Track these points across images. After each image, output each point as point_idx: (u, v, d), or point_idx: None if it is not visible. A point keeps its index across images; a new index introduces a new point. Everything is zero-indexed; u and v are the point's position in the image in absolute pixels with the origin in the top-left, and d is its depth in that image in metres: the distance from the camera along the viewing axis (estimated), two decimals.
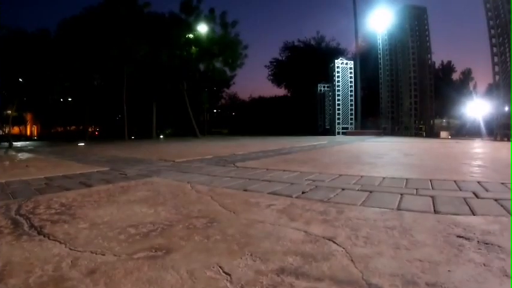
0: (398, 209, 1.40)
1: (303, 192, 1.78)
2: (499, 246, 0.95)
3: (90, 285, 0.79)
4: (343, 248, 0.96)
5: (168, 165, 3.37)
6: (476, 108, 14.28)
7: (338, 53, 34.96)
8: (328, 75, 22.13)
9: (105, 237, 1.08)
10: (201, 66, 22.80)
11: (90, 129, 34.28)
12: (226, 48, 18.13)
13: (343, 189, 1.84)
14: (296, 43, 39.45)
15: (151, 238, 1.07)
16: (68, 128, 42.40)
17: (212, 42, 18.79)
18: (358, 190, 1.83)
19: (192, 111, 21.27)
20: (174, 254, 0.95)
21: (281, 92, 47.68)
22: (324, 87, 24.58)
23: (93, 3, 18.10)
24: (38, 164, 3.87)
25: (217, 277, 0.81)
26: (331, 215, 1.31)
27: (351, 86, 19.86)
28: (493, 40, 9.00)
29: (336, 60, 20.03)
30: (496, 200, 1.53)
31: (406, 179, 2.15)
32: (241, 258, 0.90)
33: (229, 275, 0.81)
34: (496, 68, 9.01)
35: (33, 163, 3.97)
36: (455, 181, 2.05)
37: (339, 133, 19.40)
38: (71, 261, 0.91)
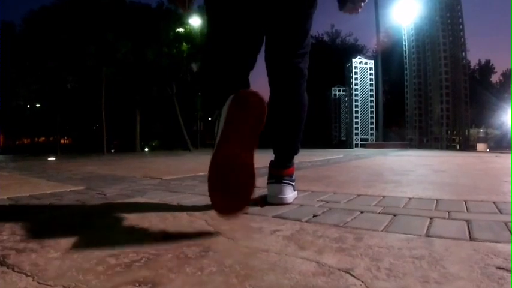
0: (427, 235, 1.40)
1: (314, 216, 1.78)
2: None
3: None
4: (362, 282, 0.96)
5: (154, 183, 3.38)
6: None
7: (356, 50, 35.16)
8: (344, 77, 22.18)
9: (79, 269, 1.08)
10: (194, 66, 22.85)
11: (62, 141, 34.32)
12: None
13: (361, 212, 1.85)
14: None
15: (135, 270, 1.07)
16: (36, 139, 42.49)
17: None
18: (379, 213, 1.83)
19: (183, 119, 21.31)
20: None
21: None
22: (339, 91, 24.61)
23: None
24: (1, 182, 3.89)
25: None
26: (348, 243, 1.31)
27: (371, 90, 19.87)
28: None
29: (353, 59, 20.07)
30: None
31: (437, 200, 2.15)
32: None
33: None
34: None
35: None
36: (494, 202, 2.05)
37: (356, 145, 19.42)
38: None
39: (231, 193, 1.42)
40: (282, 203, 2.05)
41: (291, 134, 2.17)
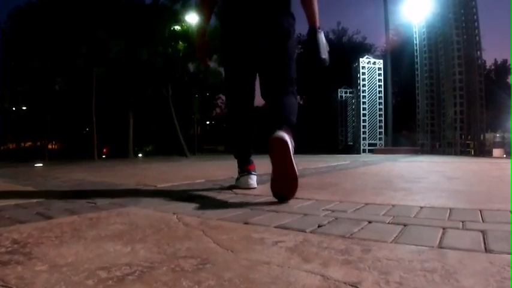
0: (440, 247, 1.40)
1: (319, 226, 1.79)
2: None
3: None
4: None
5: (148, 191, 3.38)
6: None
7: (364, 49, 35.20)
8: (351, 78, 22.10)
9: (68, 283, 1.08)
10: (191, 66, 22.87)
11: (50, 146, 34.28)
12: None
13: (369, 222, 1.85)
14: None
15: (128, 283, 1.07)
16: (22, 144, 42.49)
17: None
18: (388, 223, 1.83)
19: (179, 123, 21.28)
20: None
21: None
22: (345, 93, 24.57)
23: None
24: None
25: None
26: (355, 255, 1.31)
27: (379, 92, 19.79)
28: None
29: (360, 59, 19.99)
30: None
31: (450, 209, 2.15)
32: None
33: None
34: None
35: None
36: (511, 212, 2.05)
37: (364, 151, 19.35)
38: None
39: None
40: (280, 135, 2.52)
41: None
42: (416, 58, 17.66)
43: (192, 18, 19.31)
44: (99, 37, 17.72)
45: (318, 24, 3.04)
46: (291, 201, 2.55)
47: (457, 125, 14.45)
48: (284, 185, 2.53)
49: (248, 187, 3.26)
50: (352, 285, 1.03)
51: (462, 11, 14.62)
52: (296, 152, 2.63)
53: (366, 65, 19.74)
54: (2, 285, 1.07)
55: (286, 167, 2.48)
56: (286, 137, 2.53)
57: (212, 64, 20.21)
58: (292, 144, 2.61)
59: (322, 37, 3.03)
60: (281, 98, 3.07)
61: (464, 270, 1.12)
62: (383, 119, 20.07)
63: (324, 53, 2.98)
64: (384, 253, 1.33)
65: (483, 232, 1.60)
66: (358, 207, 2.28)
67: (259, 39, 3.07)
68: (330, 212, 2.15)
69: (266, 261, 1.26)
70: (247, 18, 3.10)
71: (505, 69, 45.07)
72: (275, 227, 1.78)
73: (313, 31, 3.02)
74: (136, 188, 3.65)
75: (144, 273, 1.15)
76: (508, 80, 44.87)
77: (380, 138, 20.07)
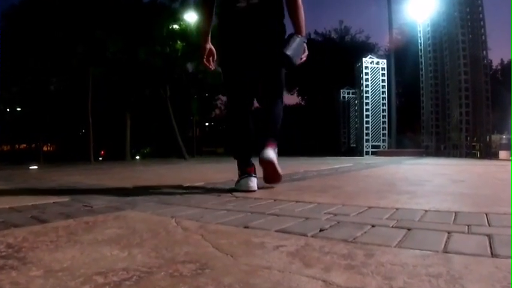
0: (445, 251, 1.40)
1: (321, 230, 1.78)
2: None
3: None
4: None
5: (146, 194, 3.38)
6: None
7: (367, 49, 35.13)
8: (353, 78, 22.06)
9: None
10: (189, 67, 22.80)
11: (45, 148, 34.24)
12: None
13: (373, 226, 1.85)
14: (312, 36, 39.59)
15: None
16: (17, 146, 42.46)
17: None
18: (392, 227, 1.83)
19: (178, 124, 21.23)
20: None
21: (292, 99, 47.97)
22: (348, 93, 24.52)
23: None
24: None
25: None
26: (358, 259, 1.31)
27: (383, 92, 19.73)
28: None
29: (364, 59, 19.94)
30: None
31: (455, 213, 2.15)
32: None
33: None
34: None
35: None
36: None
37: (367, 153, 19.32)
38: None
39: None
40: (269, 157, 3.26)
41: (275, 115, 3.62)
42: (421, 58, 17.63)
43: (191, 17, 19.30)
44: (95, 36, 17.69)
45: (302, 32, 3.49)
46: (293, 205, 2.55)
47: (463, 126, 14.41)
48: (272, 180, 3.54)
49: (248, 190, 3.34)
50: None
51: (468, 10, 14.58)
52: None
53: (369, 65, 19.68)
54: None
55: (273, 173, 3.42)
56: (272, 155, 3.29)
57: None
58: (275, 151, 3.37)
59: (298, 41, 3.40)
60: (272, 106, 3.63)
61: (470, 276, 1.12)
62: (386, 120, 20.01)
63: (291, 51, 3.31)
64: (387, 258, 1.33)
65: (489, 236, 1.59)
66: (361, 211, 2.28)
67: (257, 42, 3.44)
68: (332, 215, 2.15)
69: (267, 266, 1.26)
70: (246, 21, 3.43)
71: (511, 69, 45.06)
72: (276, 231, 1.78)
73: (292, 33, 3.46)
74: (134, 191, 3.65)
75: (142, 278, 1.15)
76: None
77: (383, 140, 20.02)
